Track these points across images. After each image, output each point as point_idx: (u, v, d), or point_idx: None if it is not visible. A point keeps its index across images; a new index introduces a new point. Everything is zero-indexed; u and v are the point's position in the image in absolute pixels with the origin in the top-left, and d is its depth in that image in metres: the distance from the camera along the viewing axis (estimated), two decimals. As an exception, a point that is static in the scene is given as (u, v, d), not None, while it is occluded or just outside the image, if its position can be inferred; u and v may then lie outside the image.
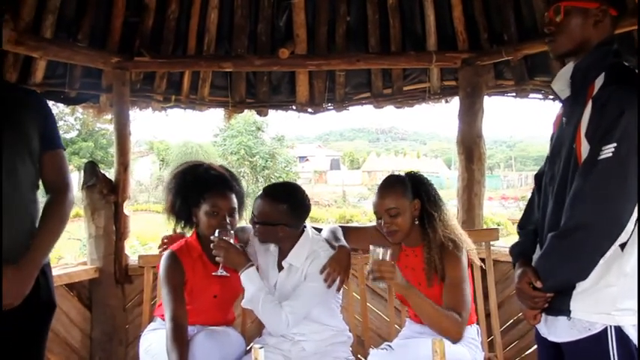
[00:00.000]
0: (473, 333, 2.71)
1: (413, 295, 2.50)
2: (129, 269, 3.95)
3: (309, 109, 4.43)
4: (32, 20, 3.53)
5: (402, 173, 2.81)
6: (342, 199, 33.02)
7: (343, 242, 2.85)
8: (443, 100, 4.40)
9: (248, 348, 3.05)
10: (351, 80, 4.43)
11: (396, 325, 3.12)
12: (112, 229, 3.89)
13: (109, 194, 3.85)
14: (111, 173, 4.05)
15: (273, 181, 21.97)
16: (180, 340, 2.59)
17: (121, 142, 4.00)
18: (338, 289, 2.77)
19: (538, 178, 2.26)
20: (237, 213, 2.89)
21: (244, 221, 3.18)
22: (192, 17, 4.06)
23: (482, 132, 4.02)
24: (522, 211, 2.37)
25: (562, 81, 2.06)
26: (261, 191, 2.84)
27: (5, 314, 2.07)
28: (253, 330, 3.42)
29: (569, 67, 2.03)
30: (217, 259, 2.67)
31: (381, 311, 3.92)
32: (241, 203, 2.99)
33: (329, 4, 4.14)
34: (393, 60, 4.19)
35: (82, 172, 3.93)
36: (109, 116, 4.28)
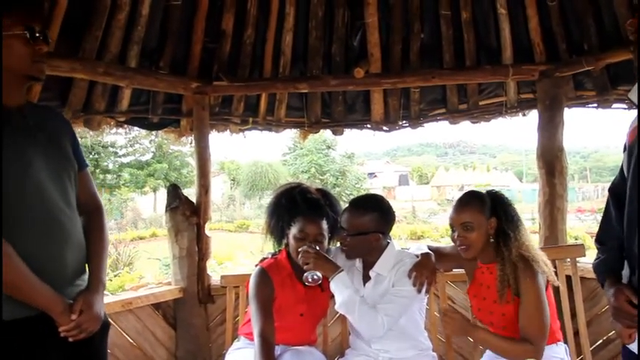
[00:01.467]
0: (561, 352, 2.66)
1: (476, 334, 2.57)
2: (211, 289, 4.03)
3: (384, 127, 4.43)
4: (119, 52, 3.69)
5: (483, 190, 2.78)
6: (412, 214, 32.68)
7: (427, 251, 2.87)
8: (520, 114, 4.31)
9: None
10: (425, 96, 4.40)
11: (480, 346, 3.06)
12: (195, 249, 3.98)
13: (191, 216, 3.95)
14: (188, 194, 4.15)
15: (345, 198, 22.07)
16: (268, 353, 2.63)
17: (202, 165, 4.10)
18: (427, 292, 2.77)
19: (614, 191, 2.17)
20: (325, 240, 2.89)
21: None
22: (268, 41, 4.14)
23: (563, 145, 3.91)
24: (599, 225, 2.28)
25: None
26: (347, 205, 2.87)
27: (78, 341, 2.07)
28: (334, 350, 3.42)
29: None
30: (306, 267, 2.69)
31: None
32: (336, 228, 2.99)
33: (402, 22, 4.14)
34: (469, 75, 4.14)
35: (166, 194, 4.05)
36: (188, 139, 4.42)
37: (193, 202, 4.03)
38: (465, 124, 4.48)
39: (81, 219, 2.25)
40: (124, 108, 3.94)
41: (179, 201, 3.94)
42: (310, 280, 2.70)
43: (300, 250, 2.72)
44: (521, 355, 2.44)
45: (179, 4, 3.84)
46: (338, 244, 3.03)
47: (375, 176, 48.75)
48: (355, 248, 2.79)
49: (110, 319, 2.34)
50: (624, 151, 2.10)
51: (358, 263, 2.90)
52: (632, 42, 2.02)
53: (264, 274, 2.87)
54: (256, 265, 3.02)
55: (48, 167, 2.07)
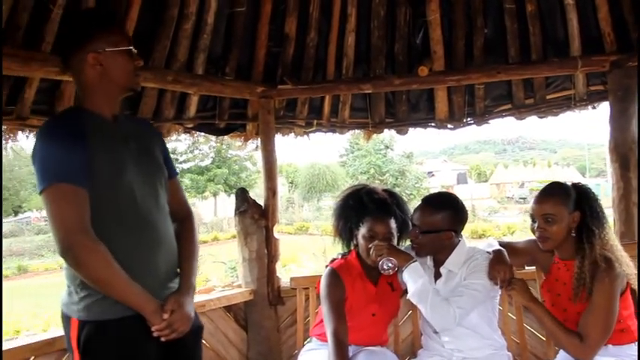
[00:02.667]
0: (637, 352, 2.55)
1: (536, 307, 2.52)
2: (281, 291, 4.06)
3: (449, 125, 4.39)
4: (186, 60, 3.77)
5: (569, 183, 2.70)
6: (472, 213, 32.22)
7: (499, 247, 2.82)
8: (589, 107, 4.21)
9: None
10: (490, 92, 4.34)
11: (554, 347, 2.99)
12: (264, 252, 4.03)
13: (259, 219, 4.00)
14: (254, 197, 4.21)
15: (405, 198, 21.92)
16: (342, 353, 2.64)
17: (268, 168, 4.15)
18: (508, 288, 2.69)
19: None
20: (394, 238, 2.89)
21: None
22: (331, 43, 4.15)
23: (636, 137, 3.77)
24: None
25: None
26: (420, 203, 2.85)
27: (174, 340, 2.14)
28: (405, 350, 3.41)
29: None
30: (379, 258, 2.69)
31: (536, 330, 3.76)
32: (404, 228, 2.99)
33: (465, 18, 4.09)
34: (535, 69, 4.05)
35: (235, 198, 4.11)
36: (245, 143, 4.49)
37: (261, 206, 4.08)
38: (528, 120, 4.41)
39: (175, 225, 2.35)
40: (192, 114, 4.03)
41: (247, 204, 4.00)
42: (385, 267, 2.68)
43: (371, 245, 2.72)
44: (568, 347, 2.44)
45: (243, 10, 3.90)
46: (408, 242, 3.01)
47: (433, 175, 48.24)
48: (426, 246, 2.77)
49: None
50: None
51: (429, 261, 2.87)
52: None
53: (335, 275, 2.89)
54: (326, 266, 3.04)
55: (141, 174, 2.18)
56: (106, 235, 2.04)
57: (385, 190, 3.11)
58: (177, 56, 3.71)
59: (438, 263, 2.82)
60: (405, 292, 2.85)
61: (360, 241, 2.87)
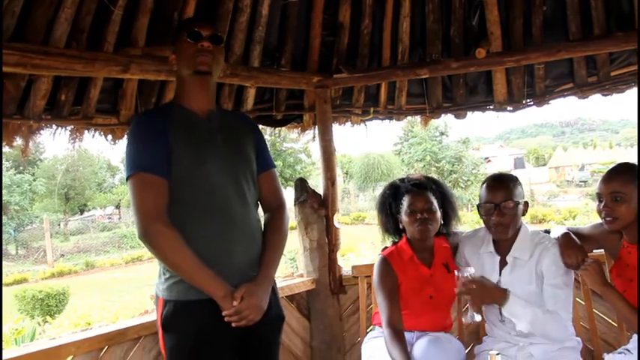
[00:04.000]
0: None
1: (609, 292, 2.48)
2: (343, 280, 4.07)
3: (509, 108, 4.28)
4: (242, 52, 3.81)
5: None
6: (531, 198, 31.58)
7: (561, 231, 2.80)
8: (658, 81, 4.03)
9: (467, 352, 3.03)
10: (551, 72, 4.20)
11: (627, 332, 2.91)
12: (325, 241, 4.05)
13: (319, 208, 4.02)
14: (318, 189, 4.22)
15: (462, 184, 21.56)
16: (399, 340, 2.65)
17: (327, 158, 4.15)
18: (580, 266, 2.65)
19: None
20: (435, 208, 2.92)
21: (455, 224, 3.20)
22: (385, 29, 4.11)
23: None
24: None
25: None
26: (487, 181, 2.87)
27: (249, 329, 2.23)
28: (469, 336, 3.37)
29: None
30: (466, 297, 2.67)
31: (607, 316, 3.66)
32: (446, 202, 3.04)
33: (523, -4, 3.96)
34: (598, 45, 3.88)
35: (294, 188, 4.14)
36: (293, 136, 4.51)
37: (320, 195, 4.09)
38: (588, 101, 4.26)
39: (265, 216, 2.49)
40: (250, 107, 4.06)
41: (307, 194, 4.02)
42: (470, 321, 2.66)
43: (460, 280, 2.65)
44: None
45: (296, 1, 3.89)
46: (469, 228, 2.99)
47: (489, 161, 47.41)
48: (510, 218, 2.73)
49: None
50: None
51: (491, 247, 2.84)
52: None
53: (385, 263, 2.94)
54: (379, 255, 3.06)
55: (222, 165, 2.29)
56: (183, 222, 2.17)
57: (420, 175, 3.19)
58: (233, 49, 3.74)
59: (503, 250, 2.80)
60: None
61: (404, 218, 2.92)
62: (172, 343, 2.22)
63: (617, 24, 3.88)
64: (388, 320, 2.74)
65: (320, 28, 4.04)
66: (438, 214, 2.93)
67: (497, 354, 2.14)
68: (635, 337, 2.63)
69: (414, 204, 2.88)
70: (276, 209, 2.51)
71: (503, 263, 2.79)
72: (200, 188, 2.23)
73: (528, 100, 4.26)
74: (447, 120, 4.65)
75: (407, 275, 2.90)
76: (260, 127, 4.22)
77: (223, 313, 2.17)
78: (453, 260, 2.98)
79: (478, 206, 2.84)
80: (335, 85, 4.15)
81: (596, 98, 4.22)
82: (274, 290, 2.45)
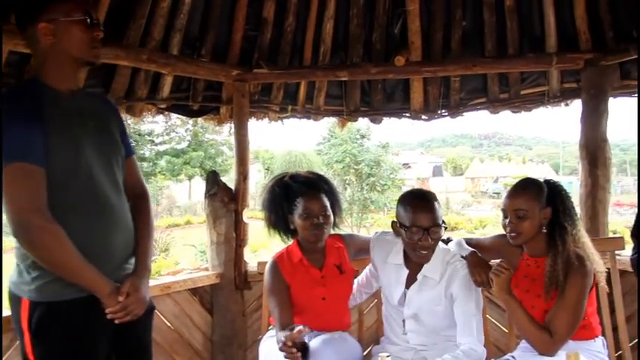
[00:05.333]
0: (598, 346, 2.63)
1: (512, 301, 2.51)
2: (248, 275, 4.05)
3: (424, 116, 4.39)
4: (161, 39, 3.72)
5: (541, 179, 2.70)
6: (446, 206, 32.43)
7: (469, 249, 2.82)
8: (563, 104, 4.24)
9: (365, 354, 3.06)
10: (466, 85, 4.35)
11: (516, 338, 3.02)
12: (232, 236, 4.02)
13: (229, 203, 3.98)
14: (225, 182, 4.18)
15: (379, 188, 21.91)
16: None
17: (241, 153, 4.13)
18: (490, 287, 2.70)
19: None
20: (329, 212, 2.88)
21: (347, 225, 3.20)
22: (309, 29, 4.12)
23: (606, 136, 3.82)
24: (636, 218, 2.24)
25: None
26: (412, 201, 2.76)
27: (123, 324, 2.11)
28: (370, 337, 3.42)
29: None
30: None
31: (499, 322, 3.80)
32: (334, 201, 2.98)
33: (444, 10, 4.08)
34: (511, 63, 4.08)
35: (205, 181, 4.09)
36: (222, 127, 4.46)
37: (232, 189, 4.06)
38: (502, 115, 4.44)
39: (130, 205, 2.29)
40: (165, 95, 3.98)
41: (218, 188, 3.98)
42: None
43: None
44: (536, 342, 2.46)
45: (221, -9, 3.85)
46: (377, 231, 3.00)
47: (409, 167, 48.44)
48: (438, 241, 2.73)
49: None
50: None
51: (402, 260, 2.82)
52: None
53: (274, 267, 2.90)
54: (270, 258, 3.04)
55: (97, 152, 2.13)
56: (63, 216, 1.99)
57: (308, 172, 3.11)
58: (152, 35, 3.65)
59: (412, 265, 2.78)
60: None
61: (298, 222, 2.85)
62: (47, 347, 2.03)
63: (530, 46, 4.07)
64: (280, 325, 2.72)
65: (243, 22, 4.01)
66: (332, 216, 2.92)
67: (388, 356, 2.17)
68: (522, 344, 2.74)
69: (309, 208, 2.82)
70: (141, 197, 2.38)
71: (411, 278, 2.78)
72: (79, 178, 2.06)
73: (443, 111, 4.39)
74: (369, 123, 4.74)
75: (297, 278, 2.87)
76: (176, 116, 4.19)
77: (107, 311, 2.05)
78: (347, 260, 2.99)
79: (400, 225, 2.72)
80: (254, 80, 4.13)
81: (510, 114, 4.44)
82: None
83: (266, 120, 4.42)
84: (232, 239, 4.01)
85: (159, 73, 3.86)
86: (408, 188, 3.83)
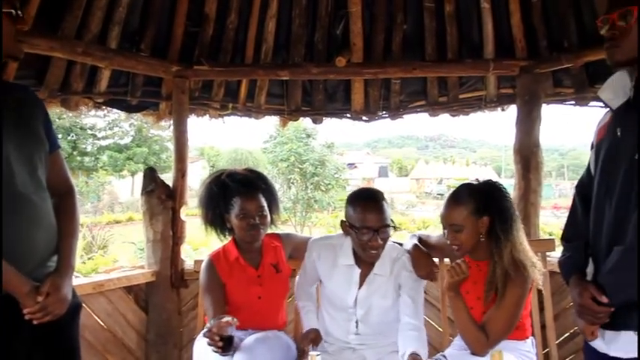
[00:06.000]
0: (528, 346, 2.69)
1: (457, 299, 2.56)
2: (184, 273, 4.02)
3: (364, 117, 4.44)
4: (99, 32, 3.64)
5: (480, 180, 2.68)
6: (391, 206, 32.69)
7: (412, 242, 2.89)
8: (499, 109, 4.35)
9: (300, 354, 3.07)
10: (406, 88, 4.41)
11: (449, 337, 3.09)
12: (169, 234, 3.97)
13: (166, 200, 3.93)
14: (166, 179, 4.13)
15: (323, 187, 21.93)
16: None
17: (179, 149, 4.09)
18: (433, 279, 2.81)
19: (581, 188, 2.20)
20: (266, 211, 2.89)
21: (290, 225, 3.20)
22: (251, 27, 4.12)
23: (539, 141, 3.95)
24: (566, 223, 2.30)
25: (611, 90, 2.01)
26: (361, 201, 2.78)
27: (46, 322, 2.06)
28: (306, 337, 3.42)
29: (620, 75, 1.98)
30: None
31: (433, 321, 3.87)
32: (272, 200, 2.98)
33: (386, 13, 4.13)
34: (450, 68, 4.16)
35: (142, 177, 4.03)
36: (167, 123, 4.39)
37: (169, 186, 4.01)
38: (447, 118, 4.51)
39: (52, 201, 2.22)
40: (103, 89, 3.90)
41: (155, 184, 3.92)
42: None
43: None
44: (472, 340, 2.51)
45: (162, -15, 3.80)
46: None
47: (355, 167, 48.72)
48: (387, 240, 2.77)
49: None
50: (592, 149, 2.14)
51: (353, 261, 2.82)
52: (608, 39, 2.02)
53: (210, 265, 2.90)
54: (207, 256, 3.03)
55: (18, 149, 2.05)
56: None
57: (245, 169, 3.08)
58: (89, 27, 3.57)
59: (364, 264, 2.79)
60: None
61: (235, 221, 2.85)
62: None
63: (468, 52, 4.16)
64: (212, 319, 2.72)
65: (184, 17, 3.97)
66: (269, 216, 2.92)
67: (318, 355, 2.18)
68: (455, 341, 2.80)
69: (246, 208, 2.82)
70: (66, 194, 2.31)
71: (363, 277, 2.79)
72: None
73: (383, 112, 4.45)
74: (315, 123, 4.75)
75: (232, 277, 2.87)
76: (114, 110, 4.11)
77: (25, 311, 1.99)
78: (283, 260, 3.00)
79: (349, 225, 2.73)
80: (195, 77, 4.10)
81: (457, 117, 4.50)
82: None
83: (207, 117, 4.38)
84: (169, 237, 3.97)
85: (96, 67, 3.78)
86: (353, 188, 3.85)
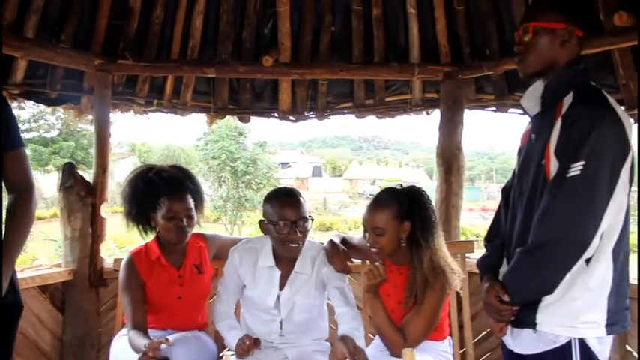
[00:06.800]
0: (445, 346, 2.76)
1: (375, 300, 2.62)
2: (104, 272, 3.91)
3: (291, 117, 4.45)
4: (15, 20, 3.51)
5: (403, 185, 2.73)
6: (323, 206, 33.01)
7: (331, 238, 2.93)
8: (424, 112, 4.42)
9: (221, 355, 3.04)
10: (333, 89, 4.45)
11: (370, 335, 3.12)
12: (89, 231, 3.85)
13: (86, 196, 3.81)
14: (91, 174, 4.01)
15: (254, 187, 21.90)
16: (141, 334, 2.59)
17: (101, 145, 3.97)
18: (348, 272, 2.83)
19: (505, 191, 2.30)
20: (194, 213, 2.86)
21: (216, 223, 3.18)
22: (177, 22, 4.06)
23: (461, 144, 4.04)
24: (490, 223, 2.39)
25: (530, 98, 2.10)
26: (277, 197, 2.79)
27: None
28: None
29: (538, 85, 2.07)
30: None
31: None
32: (198, 200, 2.96)
33: (314, 14, 4.15)
34: (376, 71, 4.21)
35: (61, 172, 3.90)
36: (89, 117, 4.27)
37: (89, 183, 3.89)
38: (374, 119, 4.55)
39: (10, 197, 2.21)
40: (19, 80, 3.76)
41: (74, 180, 3.79)
42: None
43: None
44: (391, 343, 2.56)
45: (85, -25, 3.69)
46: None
47: (289, 166, 48.83)
48: (306, 235, 2.78)
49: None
50: (517, 154, 2.22)
51: (273, 262, 2.81)
52: (517, 54, 2.14)
53: (130, 263, 2.86)
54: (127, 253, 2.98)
55: None
56: None
57: (173, 167, 3.05)
58: (3, 14, 3.43)
59: (283, 264, 2.79)
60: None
61: (161, 222, 2.81)
62: None
63: (395, 55, 4.22)
64: (132, 322, 2.66)
65: (108, 10, 3.87)
66: (195, 216, 2.89)
67: (232, 354, 2.18)
68: (375, 340, 2.84)
69: (174, 210, 2.78)
70: (25, 191, 2.26)
71: (284, 279, 2.79)
72: None
73: (311, 113, 4.46)
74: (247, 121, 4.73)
75: (153, 276, 2.82)
76: (32, 103, 3.96)
77: None
78: (207, 260, 2.97)
79: (268, 223, 2.71)
80: (118, 71, 4.00)
81: (376, 120, 4.55)
82: (13, 276, 2.22)
83: (131, 113, 4.29)
84: (88, 235, 3.85)
85: (11, 57, 3.63)
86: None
